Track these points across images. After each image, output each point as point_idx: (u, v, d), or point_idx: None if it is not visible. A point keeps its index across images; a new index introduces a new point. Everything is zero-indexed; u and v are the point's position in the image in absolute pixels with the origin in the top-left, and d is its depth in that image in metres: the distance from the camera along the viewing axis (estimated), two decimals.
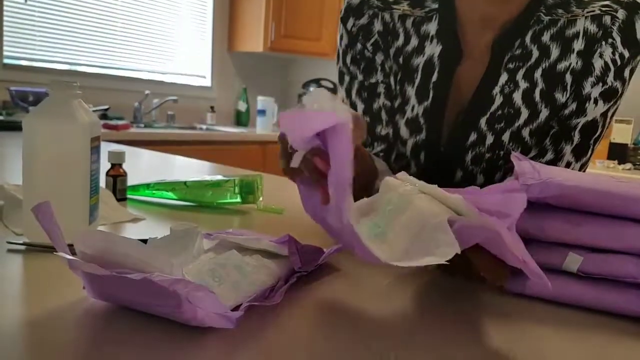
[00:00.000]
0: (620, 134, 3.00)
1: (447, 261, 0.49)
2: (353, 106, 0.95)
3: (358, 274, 0.68)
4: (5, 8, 3.06)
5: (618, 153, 3.00)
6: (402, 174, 0.61)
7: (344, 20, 0.92)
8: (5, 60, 3.09)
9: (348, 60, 0.93)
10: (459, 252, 0.49)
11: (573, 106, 0.82)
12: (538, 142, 0.84)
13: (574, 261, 0.60)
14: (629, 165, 2.89)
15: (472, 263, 0.58)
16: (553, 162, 0.84)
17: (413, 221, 0.53)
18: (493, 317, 0.57)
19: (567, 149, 0.83)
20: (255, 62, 4.36)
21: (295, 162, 0.58)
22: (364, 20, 0.91)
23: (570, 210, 0.60)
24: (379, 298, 0.60)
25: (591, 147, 0.84)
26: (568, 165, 0.84)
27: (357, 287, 0.63)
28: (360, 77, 0.93)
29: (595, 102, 0.81)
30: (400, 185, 0.58)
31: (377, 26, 0.90)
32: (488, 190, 0.58)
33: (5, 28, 3.07)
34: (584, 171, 0.88)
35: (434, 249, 0.50)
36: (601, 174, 2.45)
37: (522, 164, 0.66)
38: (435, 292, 0.63)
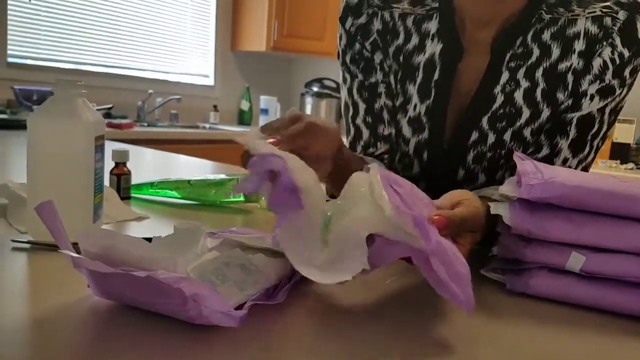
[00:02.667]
0: (623, 133, 2.99)
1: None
2: (355, 106, 0.95)
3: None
4: (9, 7, 3.07)
5: (620, 153, 2.99)
6: (372, 166, 0.58)
7: (342, 20, 0.92)
8: (10, 59, 3.10)
9: (347, 60, 0.94)
10: (368, 270, 0.50)
11: (569, 102, 0.82)
12: (538, 139, 0.84)
13: (576, 261, 0.60)
14: (631, 165, 2.89)
15: None
16: (550, 158, 0.83)
17: (343, 232, 0.53)
18: (495, 316, 0.57)
19: (563, 144, 0.83)
20: (258, 62, 4.36)
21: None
22: (362, 20, 0.91)
23: (572, 210, 0.60)
24: (381, 296, 0.60)
25: (588, 143, 0.84)
26: (565, 161, 0.84)
27: (359, 285, 0.63)
28: (360, 76, 0.93)
29: (591, 98, 0.81)
30: (357, 185, 0.56)
31: (377, 25, 0.91)
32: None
33: (9, 27, 3.08)
34: (587, 171, 0.88)
35: (348, 262, 0.51)
36: (603, 173, 2.44)
37: (524, 163, 0.66)
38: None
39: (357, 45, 0.92)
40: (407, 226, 0.51)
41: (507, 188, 0.66)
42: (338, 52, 0.96)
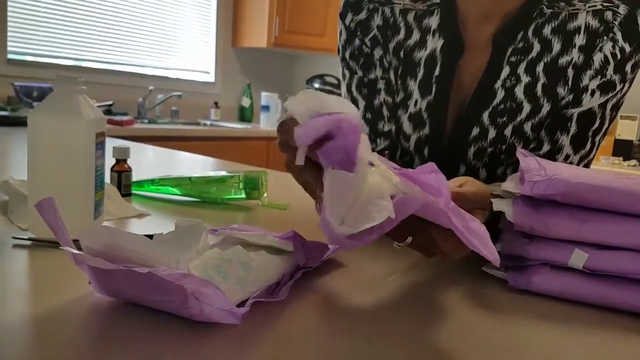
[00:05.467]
0: (626, 130, 2.99)
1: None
2: (354, 102, 0.95)
3: (362, 269, 0.68)
4: (9, 3, 3.06)
5: (623, 149, 2.99)
6: (375, 156, 0.59)
7: (342, 16, 0.92)
8: (10, 56, 3.09)
9: (347, 56, 0.94)
10: (393, 217, 0.49)
11: (569, 97, 0.82)
12: (539, 135, 0.84)
13: (579, 258, 0.60)
14: (634, 162, 2.88)
15: (432, 240, 0.57)
16: (551, 154, 0.83)
17: (363, 196, 0.53)
18: (497, 313, 0.57)
19: (564, 140, 0.83)
20: (259, 58, 4.35)
21: (299, 159, 0.56)
22: (362, 16, 0.91)
23: (575, 207, 0.60)
24: (383, 294, 0.60)
25: (590, 139, 0.83)
26: (567, 158, 0.84)
27: (362, 282, 0.63)
28: (359, 73, 0.93)
29: (592, 93, 0.81)
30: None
31: (377, 21, 0.91)
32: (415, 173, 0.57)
33: (9, 23, 3.08)
34: (588, 167, 0.88)
35: (373, 213, 0.50)
36: (606, 170, 2.44)
37: (527, 160, 0.66)
38: (439, 287, 0.63)
39: (357, 41, 0.92)
40: (417, 193, 0.52)
41: (510, 185, 0.66)
42: (338, 48, 0.96)
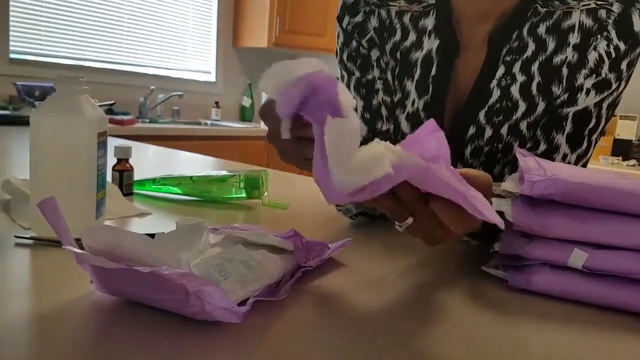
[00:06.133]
0: (625, 130, 2.99)
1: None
2: None
3: (363, 268, 0.68)
4: (11, 3, 3.06)
5: (622, 149, 2.99)
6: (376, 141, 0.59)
7: (339, 19, 0.93)
8: (12, 55, 3.10)
9: (345, 57, 0.95)
10: (391, 173, 0.48)
11: (565, 96, 0.82)
12: (535, 135, 0.85)
13: (578, 257, 0.60)
14: (633, 162, 2.88)
15: (436, 224, 0.55)
16: (548, 154, 0.83)
17: (364, 155, 0.52)
18: (497, 312, 0.57)
19: (560, 139, 0.83)
20: (260, 58, 4.36)
21: (284, 133, 0.53)
22: (359, 18, 0.92)
23: (575, 207, 0.60)
24: (383, 293, 0.60)
25: (586, 138, 0.84)
26: (564, 157, 0.84)
27: (362, 282, 0.64)
28: (357, 74, 0.94)
29: (587, 92, 0.81)
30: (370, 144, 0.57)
31: (373, 22, 0.91)
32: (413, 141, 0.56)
33: (11, 23, 3.08)
34: (584, 167, 0.88)
35: (372, 167, 0.49)
36: (605, 170, 2.44)
37: (527, 160, 0.66)
38: (439, 286, 0.64)
39: (354, 43, 0.93)
40: (417, 159, 0.51)
41: (509, 184, 0.66)
42: (336, 51, 0.97)
